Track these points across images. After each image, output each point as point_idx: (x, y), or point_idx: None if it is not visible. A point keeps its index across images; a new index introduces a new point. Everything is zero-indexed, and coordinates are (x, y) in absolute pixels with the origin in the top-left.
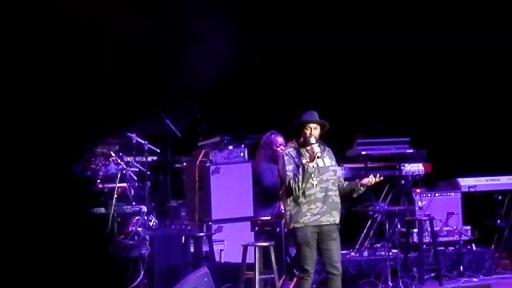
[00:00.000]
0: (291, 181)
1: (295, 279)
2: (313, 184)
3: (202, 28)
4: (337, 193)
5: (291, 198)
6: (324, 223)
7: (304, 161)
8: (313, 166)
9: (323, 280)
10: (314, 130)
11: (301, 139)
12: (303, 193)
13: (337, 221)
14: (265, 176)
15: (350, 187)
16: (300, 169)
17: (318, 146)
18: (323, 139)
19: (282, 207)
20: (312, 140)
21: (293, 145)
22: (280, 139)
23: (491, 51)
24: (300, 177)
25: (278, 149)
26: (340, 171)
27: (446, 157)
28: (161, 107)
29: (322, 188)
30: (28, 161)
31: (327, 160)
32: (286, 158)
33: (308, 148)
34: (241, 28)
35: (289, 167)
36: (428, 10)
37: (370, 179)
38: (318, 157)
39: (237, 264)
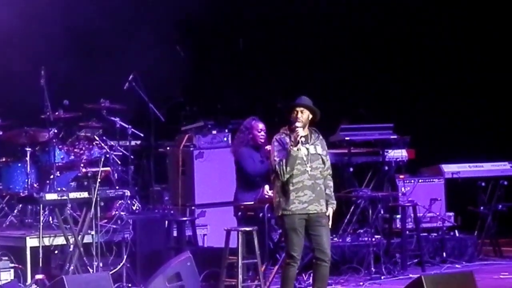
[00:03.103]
0: (277, 166)
1: (277, 264)
2: (306, 171)
3: None
4: (322, 181)
5: (279, 184)
6: (311, 212)
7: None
8: (297, 149)
9: (305, 265)
10: (300, 114)
11: (293, 125)
12: (291, 180)
13: (324, 209)
14: (247, 162)
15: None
16: (286, 153)
17: (311, 134)
18: (313, 125)
19: (265, 192)
20: (298, 124)
21: (285, 131)
22: (261, 125)
23: (472, 38)
24: (284, 161)
25: (259, 134)
26: (329, 163)
27: (430, 143)
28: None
29: (311, 175)
30: None
31: (319, 148)
32: (275, 144)
33: (293, 129)
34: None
35: (277, 153)
36: None
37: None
38: (302, 142)
39: (220, 249)
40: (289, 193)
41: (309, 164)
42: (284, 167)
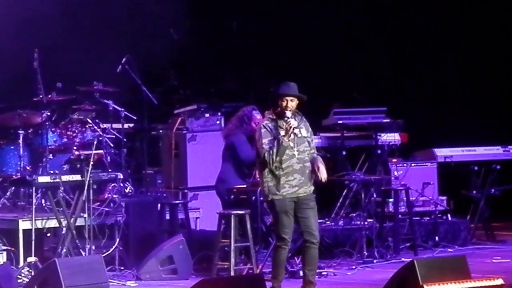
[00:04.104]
0: (266, 154)
1: (270, 248)
2: (294, 155)
3: None
4: (309, 164)
5: (268, 170)
6: (301, 194)
7: (281, 134)
8: (288, 140)
9: (298, 248)
10: (290, 102)
11: (278, 109)
12: (280, 165)
13: (312, 190)
14: (243, 149)
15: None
16: (276, 142)
17: (295, 117)
18: (301, 109)
19: (258, 176)
20: (288, 113)
21: (270, 116)
22: (259, 117)
23: (465, 20)
24: (275, 150)
25: (256, 128)
26: (314, 143)
27: (423, 127)
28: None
29: (300, 159)
30: None
31: (303, 131)
32: (263, 130)
33: (285, 120)
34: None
35: (265, 140)
36: None
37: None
38: (294, 133)
39: (212, 232)
40: (279, 178)
41: (296, 148)
42: (274, 156)
